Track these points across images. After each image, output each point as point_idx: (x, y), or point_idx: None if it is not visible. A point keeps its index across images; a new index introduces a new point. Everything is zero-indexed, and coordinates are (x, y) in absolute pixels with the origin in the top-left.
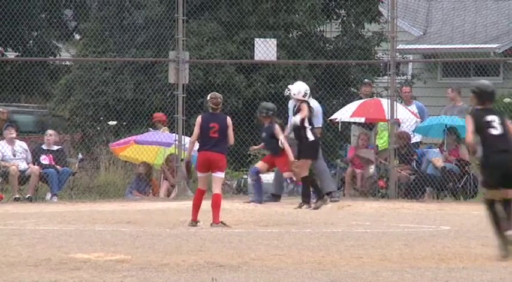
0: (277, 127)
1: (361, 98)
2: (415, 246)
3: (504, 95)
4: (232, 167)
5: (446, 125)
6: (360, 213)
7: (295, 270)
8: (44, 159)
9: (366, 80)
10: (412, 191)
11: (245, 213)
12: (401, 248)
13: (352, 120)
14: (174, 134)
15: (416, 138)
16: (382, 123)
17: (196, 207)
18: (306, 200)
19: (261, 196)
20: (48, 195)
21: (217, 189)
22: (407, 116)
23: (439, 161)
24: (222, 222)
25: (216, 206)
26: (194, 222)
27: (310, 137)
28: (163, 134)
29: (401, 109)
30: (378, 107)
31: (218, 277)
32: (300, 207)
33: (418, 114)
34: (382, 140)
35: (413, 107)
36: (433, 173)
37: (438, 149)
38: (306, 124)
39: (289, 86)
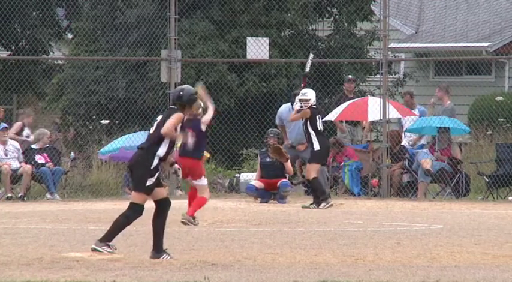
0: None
1: (344, 94)
2: (408, 244)
3: (496, 94)
4: (224, 166)
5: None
6: (352, 212)
7: (287, 269)
8: (40, 159)
9: (349, 76)
10: (404, 189)
11: (237, 212)
12: (393, 246)
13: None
14: None
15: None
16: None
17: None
18: (316, 201)
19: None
20: (48, 195)
21: (205, 194)
22: (397, 116)
23: (428, 164)
24: (194, 217)
25: (197, 205)
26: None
27: (316, 146)
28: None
29: (392, 108)
30: (363, 107)
31: (211, 276)
32: (309, 206)
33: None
34: None
35: (415, 112)
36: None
37: (428, 149)
38: (310, 129)
39: (306, 92)
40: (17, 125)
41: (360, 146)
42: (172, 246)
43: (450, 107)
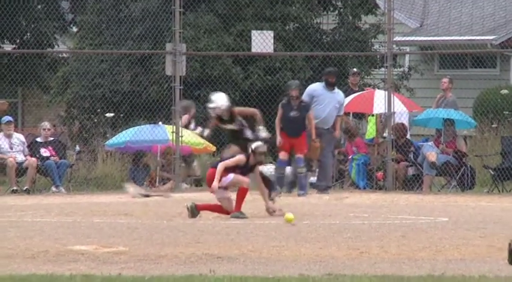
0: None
1: (349, 87)
2: (413, 237)
3: (501, 87)
4: None
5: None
6: (357, 205)
7: (292, 262)
8: (45, 152)
9: (354, 69)
10: (409, 182)
11: (243, 205)
12: (399, 239)
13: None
14: (171, 126)
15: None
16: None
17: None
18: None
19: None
20: (53, 188)
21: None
22: (402, 109)
23: (433, 156)
24: (241, 212)
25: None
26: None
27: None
28: (157, 130)
29: (397, 101)
30: (369, 100)
31: (216, 269)
32: None
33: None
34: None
35: None
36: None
37: (433, 142)
38: None
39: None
40: (184, 118)
41: (366, 139)
42: (178, 239)
43: (452, 99)
